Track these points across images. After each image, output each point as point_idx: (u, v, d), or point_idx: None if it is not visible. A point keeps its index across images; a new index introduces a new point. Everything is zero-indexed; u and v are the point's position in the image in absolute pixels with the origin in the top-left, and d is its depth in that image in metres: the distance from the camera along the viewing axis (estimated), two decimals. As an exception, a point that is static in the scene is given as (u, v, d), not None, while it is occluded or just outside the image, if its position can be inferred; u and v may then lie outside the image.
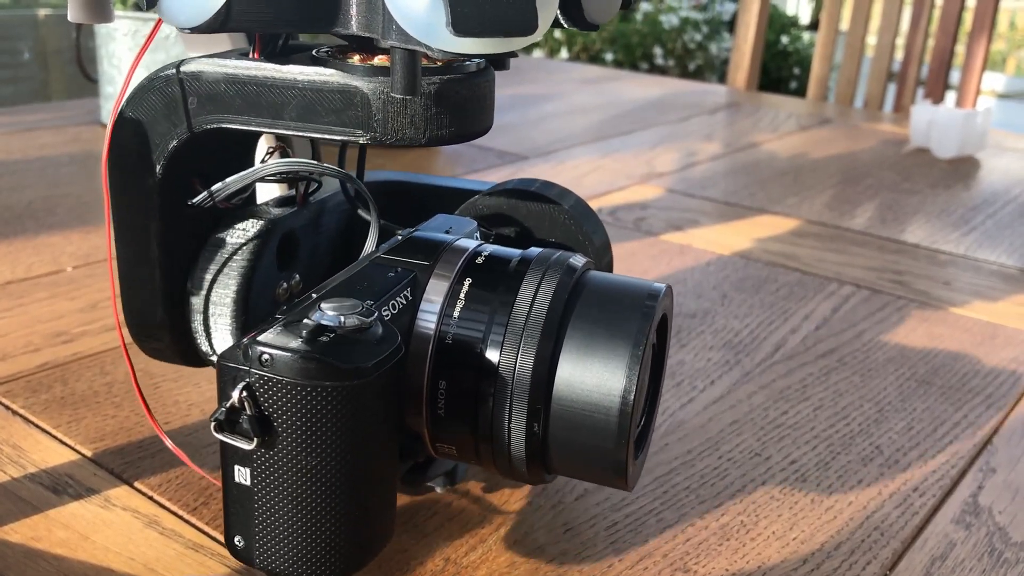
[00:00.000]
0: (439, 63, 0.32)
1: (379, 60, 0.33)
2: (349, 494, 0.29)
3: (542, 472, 0.33)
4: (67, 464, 0.42)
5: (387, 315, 0.32)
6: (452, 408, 0.32)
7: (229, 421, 0.29)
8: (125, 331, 0.40)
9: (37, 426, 0.45)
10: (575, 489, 0.42)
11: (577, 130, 1.10)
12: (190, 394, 0.48)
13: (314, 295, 0.32)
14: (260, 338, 0.29)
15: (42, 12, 2.56)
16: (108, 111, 0.99)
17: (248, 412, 0.28)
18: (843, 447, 0.46)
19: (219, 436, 0.29)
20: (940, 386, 0.53)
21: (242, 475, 0.29)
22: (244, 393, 0.28)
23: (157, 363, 0.51)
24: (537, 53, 3.45)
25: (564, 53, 3.45)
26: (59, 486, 0.41)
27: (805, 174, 0.96)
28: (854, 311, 0.62)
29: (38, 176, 0.84)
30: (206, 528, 0.38)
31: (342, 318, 0.29)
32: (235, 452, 0.29)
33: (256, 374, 0.28)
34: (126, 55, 0.93)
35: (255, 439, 0.28)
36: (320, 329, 0.29)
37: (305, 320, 0.29)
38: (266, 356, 0.28)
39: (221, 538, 0.37)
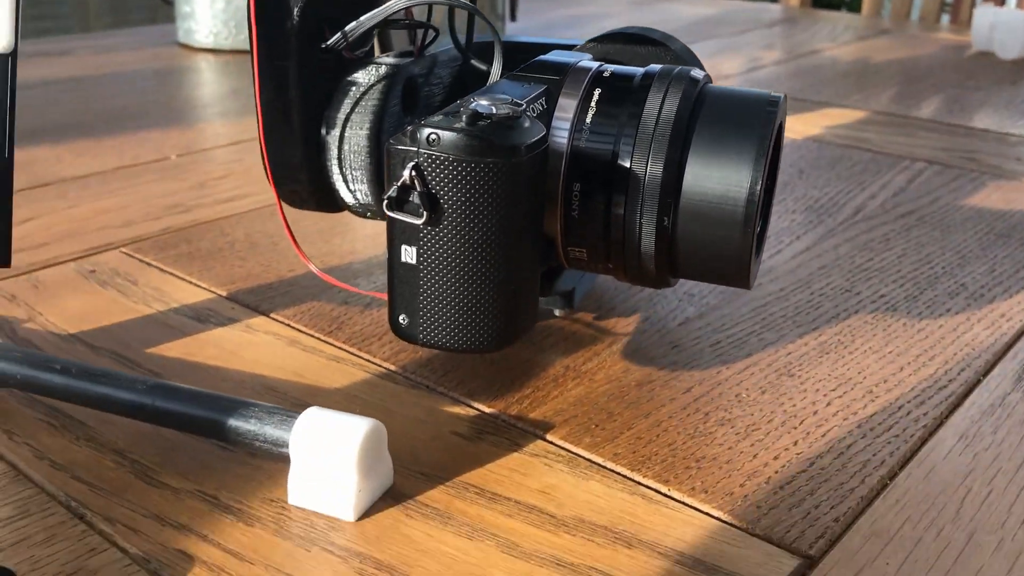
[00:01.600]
0: None
1: None
2: (505, 269, 0.32)
3: (667, 273, 0.36)
4: (206, 301, 0.46)
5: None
6: (586, 209, 0.35)
7: (399, 200, 0.32)
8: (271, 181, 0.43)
9: (171, 274, 0.49)
10: (677, 316, 0.44)
11: (637, 43, 1.11)
12: (308, 250, 0.51)
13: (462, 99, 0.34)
14: (426, 121, 0.32)
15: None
16: (186, 30, 1.02)
17: (418, 189, 0.31)
18: (929, 284, 0.48)
19: (390, 214, 0.32)
20: (1019, 239, 0.54)
21: (408, 254, 0.32)
22: (413, 172, 0.31)
23: (277, 226, 0.54)
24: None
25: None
26: (202, 316, 0.44)
27: (868, 75, 0.97)
28: (929, 182, 0.64)
29: (126, 85, 0.88)
30: (343, 346, 0.41)
31: (494, 108, 0.32)
32: (403, 231, 0.32)
33: (424, 153, 0.31)
34: (202, -28, 0.96)
35: (424, 214, 0.31)
36: (478, 115, 0.31)
37: (462, 108, 0.32)
38: (432, 136, 0.31)
39: (361, 353, 0.41)
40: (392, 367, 0.40)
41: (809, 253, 0.52)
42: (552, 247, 0.37)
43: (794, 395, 0.38)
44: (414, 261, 0.33)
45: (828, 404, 0.37)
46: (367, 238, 0.54)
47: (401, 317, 0.34)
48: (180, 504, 0.31)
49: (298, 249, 0.40)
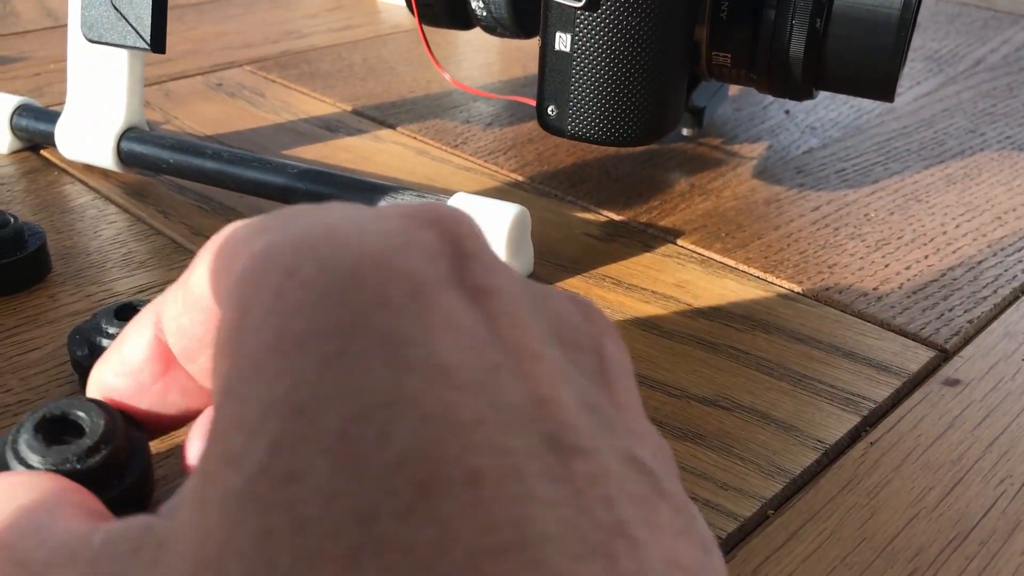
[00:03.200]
0: None
1: None
2: (658, 60, 0.33)
3: (812, 81, 0.36)
4: (333, 113, 0.47)
5: None
6: (735, 11, 0.35)
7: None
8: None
9: (296, 90, 0.50)
10: (801, 146, 0.44)
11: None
12: (425, 74, 0.52)
13: None
14: None
15: None
16: None
17: None
18: (1057, 129, 0.47)
19: (547, -8, 0.32)
20: None
21: (563, 42, 0.33)
22: None
23: (392, 53, 0.55)
24: None
25: None
26: (331, 126, 0.45)
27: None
28: (1054, 39, 0.62)
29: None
30: (470, 158, 0.42)
31: None
32: (559, 17, 0.33)
33: None
34: None
35: (583, -5, 0.32)
36: None
37: None
38: None
39: (488, 165, 0.42)
40: (520, 178, 0.41)
41: (931, 97, 0.51)
42: (696, 52, 0.37)
43: (923, 217, 0.38)
44: (568, 48, 0.33)
45: (957, 226, 0.37)
46: (490, 63, 0.54)
47: (550, 108, 0.34)
48: (334, 276, 0.33)
49: (432, 57, 0.41)
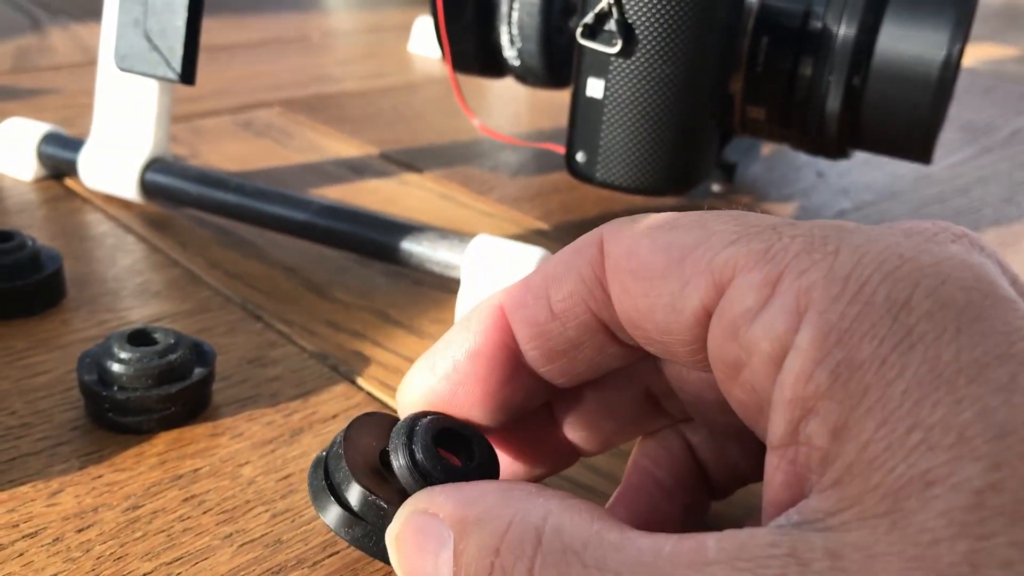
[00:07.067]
0: None
1: None
2: (691, 109, 0.32)
3: (847, 140, 0.35)
4: (361, 156, 0.46)
5: None
6: (771, 66, 0.34)
7: (594, 28, 0.32)
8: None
9: (324, 132, 0.49)
10: (833, 207, 0.44)
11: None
12: (454, 122, 0.52)
13: None
14: None
15: None
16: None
17: (615, 17, 0.31)
18: (1096, 203, 0.46)
19: (584, 42, 0.32)
20: None
21: (595, 88, 0.32)
22: (612, 0, 0.31)
23: (422, 100, 0.55)
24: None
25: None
26: (357, 168, 0.45)
27: (1020, 13, 0.93)
28: (1090, 115, 0.61)
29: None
30: (496, 204, 0.42)
31: None
32: (593, 63, 0.32)
33: None
34: None
35: (618, 44, 0.31)
36: None
37: None
38: None
39: (512, 212, 0.41)
40: (544, 226, 0.40)
41: (967, 165, 0.50)
42: (730, 106, 0.36)
43: (958, 283, 0.37)
44: (600, 95, 0.32)
45: (995, 294, 0.36)
46: (519, 114, 0.54)
47: (579, 154, 0.34)
48: (352, 316, 0.32)
49: (462, 101, 0.41)
